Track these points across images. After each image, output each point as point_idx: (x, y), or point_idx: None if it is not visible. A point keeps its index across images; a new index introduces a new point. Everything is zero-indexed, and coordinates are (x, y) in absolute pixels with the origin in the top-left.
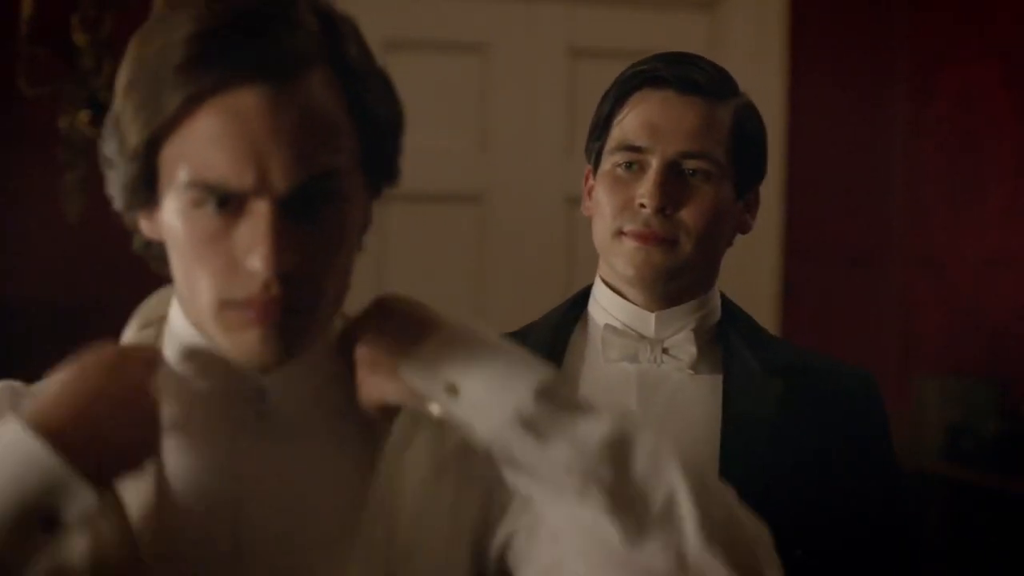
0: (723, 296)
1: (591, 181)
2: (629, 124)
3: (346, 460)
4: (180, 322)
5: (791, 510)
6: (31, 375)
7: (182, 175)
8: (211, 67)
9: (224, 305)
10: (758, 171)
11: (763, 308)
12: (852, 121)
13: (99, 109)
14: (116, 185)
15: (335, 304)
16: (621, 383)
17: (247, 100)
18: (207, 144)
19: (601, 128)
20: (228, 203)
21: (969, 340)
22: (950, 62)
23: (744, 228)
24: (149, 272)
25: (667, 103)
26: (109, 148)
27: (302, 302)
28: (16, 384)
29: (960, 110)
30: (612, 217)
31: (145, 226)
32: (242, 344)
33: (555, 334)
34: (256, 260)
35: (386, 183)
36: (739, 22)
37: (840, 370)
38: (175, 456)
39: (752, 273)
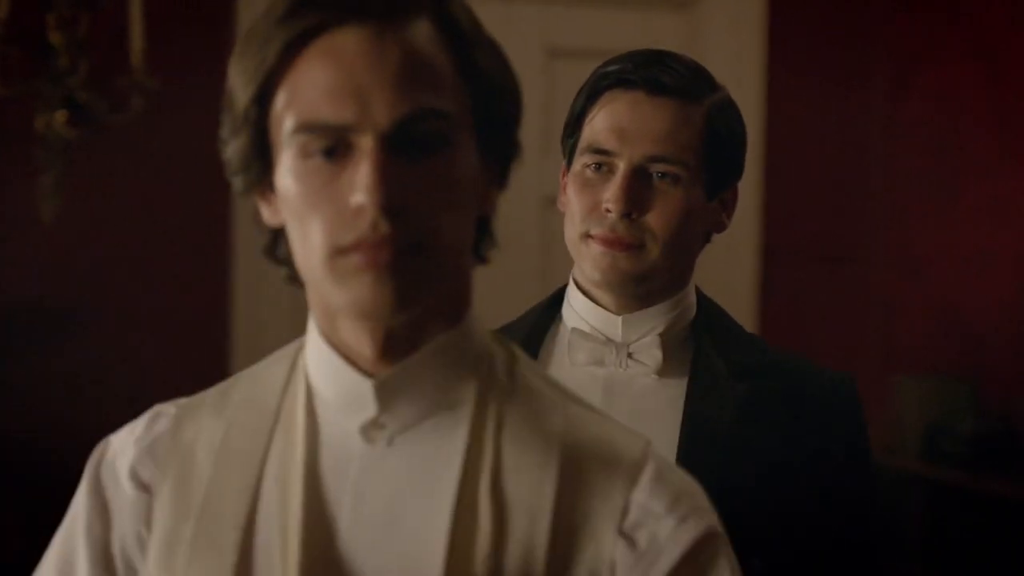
0: (701, 295)
1: (566, 177)
2: (598, 125)
3: (452, 475)
4: (312, 331)
5: (753, 517)
6: (6, 375)
7: (288, 125)
8: (310, 11)
9: (335, 253)
10: (734, 170)
11: (741, 308)
12: (830, 120)
13: (76, 109)
14: (233, 163)
15: (454, 261)
16: (587, 388)
17: (348, 40)
18: (310, 87)
19: (573, 126)
20: (336, 151)
21: (947, 340)
22: (928, 61)
23: (719, 228)
24: (124, 273)
25: (636, 105)
26: (224, 129)
27: (414, 242)
28: (163, 407)
29: (938, 109)
30: (580, 219)
31: (266, 212)
32: (355, 292)
33: (529, 336)
34: (361, 195)
35: (506, 157)
36: (716, 21)
37: (815, 373)
38: (275, 474)
39: (730, 272)
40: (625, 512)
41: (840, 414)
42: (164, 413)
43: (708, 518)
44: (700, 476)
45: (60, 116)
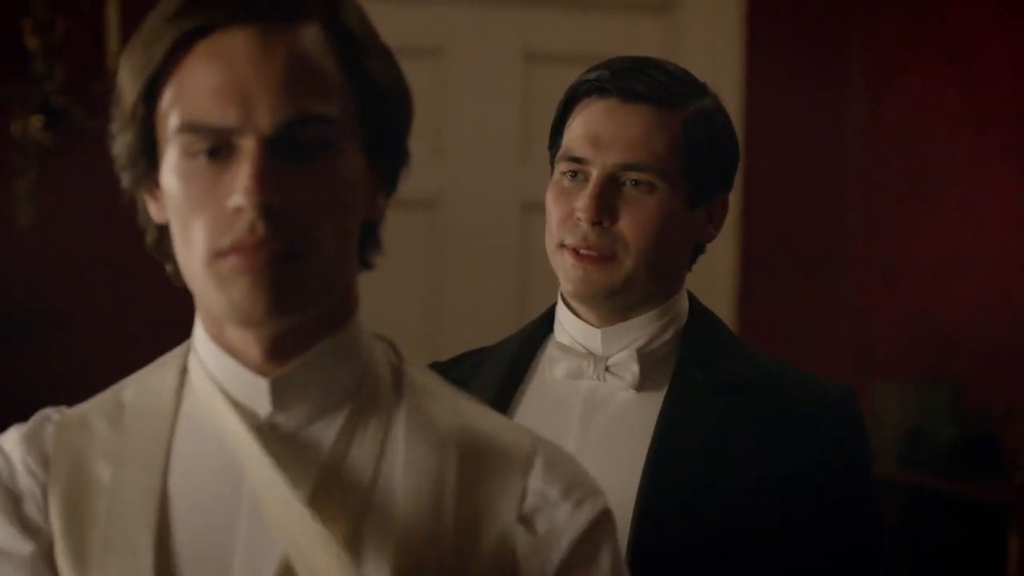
0: (695, 304)
1: None
2: (573, 134)
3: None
4: (199, 333)
5: (722, 537)
6: None
7: (173, 123)
8: (199, 11)
9: (215, 255)
10: (718, 180)
11: (719, 313)
12: (808, 125)
13: (52, 114)
14: (120, 158)
15: (334, 267)
16: (567, 402)
17: (234, 41)
18: (195, 86)
19: (553, 135)
20: (219, 152)
21: (925, 344)
22: (905, 66)
23: (705, 238)
24: (101, 278)
25: (610, 113)
26: (113, 124)
27: (291, 247)
28: (49, 412)
29: (914, 114)
30: (555, 228)
31: (153, 209)
32: (232, 296)
33: (521, 348)
34: (239, 196)
35: (394, 164)
36: (694, 26)
37: (806, 387)
38: (180, 473)
39: (708, 278)
40: (523, 498)
41: (830, 431)
42: (50, 419)
43: (601, 500)
44: (666, 494)
45: (36, 121)
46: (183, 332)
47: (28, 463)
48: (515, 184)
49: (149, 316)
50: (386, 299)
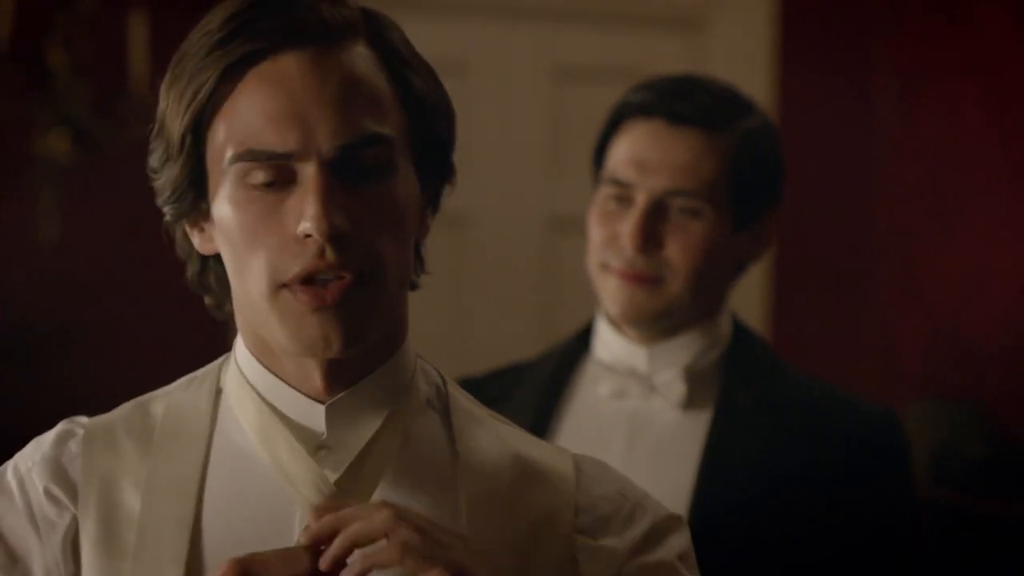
0: (739, 323)
1: None
2: (617, 156)
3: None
4: (242, 352)
5: (773, 557)
6: (4, 398)
7: (229, 153)
8: (248, 38)
9: (279, 287)
10: (766, 200)
11: None
12: (836, 141)
13: (75, 131)
14: (164, 192)
15: (398, 290)
16: (611, 421)
17: (288, 64)
18: (250, 113)
19: (598, 155)
20: (276, 183)
21: (952, 362)
22: (931, 79)
23: (751, 258)
24: (124, 295)
25: (655, 136)
26: (154, 157)
27: (360, 272)
28: (71, 426)
29: (941, 127)
30: (599, 250)
31: (198, 240)
32: (301, 331)
33: (558, 366)
34: (308, 223)
35: (440, 181)
36: (723, 43)
37: (849, 409)
38: (215, 503)
39: (739, 296)
40: (576, 515)
41: (873, 453)
42: (73, 433)
43: (651, 511)
44: (716, 514)
45: (59, 138)
46: (205, 349)
47: (52, 491)
48: (542, 200)
49: (171, 334)
50: (412, 316)
